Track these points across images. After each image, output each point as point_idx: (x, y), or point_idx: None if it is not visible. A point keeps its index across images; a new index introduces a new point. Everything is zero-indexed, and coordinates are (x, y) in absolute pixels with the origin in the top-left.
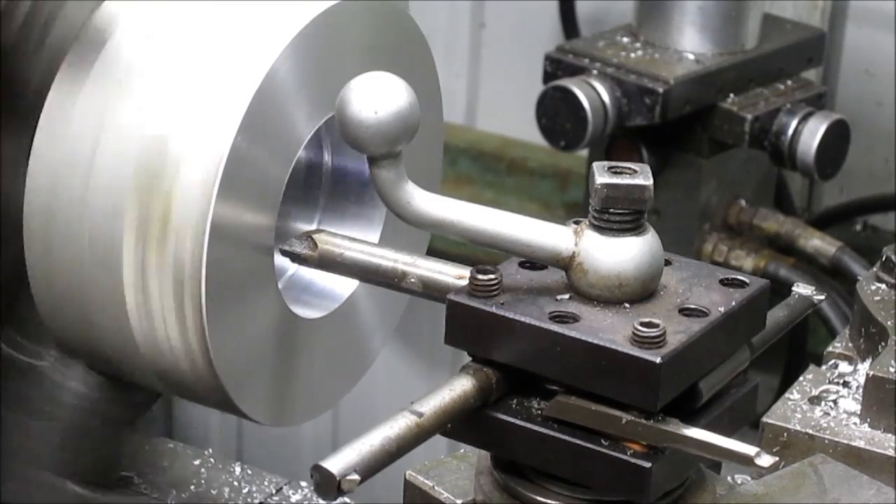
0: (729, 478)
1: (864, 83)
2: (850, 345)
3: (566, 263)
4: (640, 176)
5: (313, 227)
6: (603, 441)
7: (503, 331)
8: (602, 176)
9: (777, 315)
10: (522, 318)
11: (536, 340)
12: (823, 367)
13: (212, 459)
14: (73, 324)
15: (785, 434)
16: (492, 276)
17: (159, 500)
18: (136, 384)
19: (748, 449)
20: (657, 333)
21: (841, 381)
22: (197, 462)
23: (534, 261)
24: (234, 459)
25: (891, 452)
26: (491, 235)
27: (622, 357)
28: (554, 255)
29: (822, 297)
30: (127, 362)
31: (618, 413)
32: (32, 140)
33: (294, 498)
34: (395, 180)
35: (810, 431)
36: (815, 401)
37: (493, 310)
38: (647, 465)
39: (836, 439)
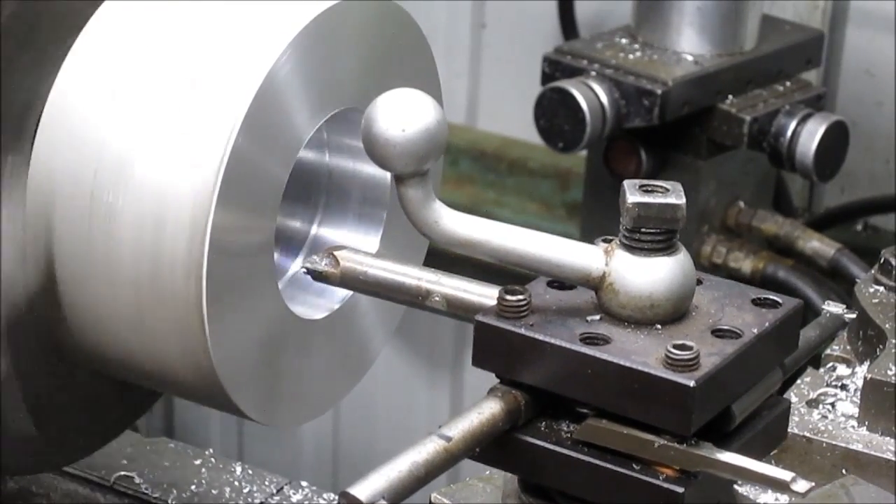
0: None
1: (865, 84)
2: (848, 347)
3: (596, 284)
4: (673, 195)
5: (314, 227)
6: (634, 465)
7: (533, 353)
8: (633, 195)
9: (808, 334)
10: (552, 340)
11: (567, 363)
12: (821, 370)
13: (212, 459)
14: (74, 324)
15: None
16: (520, 297)
17: (160, 500)
18: (136, 384)
19: (784, 474)
20: (691, 356)
21: (839, 384)
22: (198, 462)
23: (563, 281)
24: (234, 459)
25: (889, 456)
26: (520, 255)
27: (655, 380)
28: (584, 275)
29: (854, 315)
30: (128, 363)
31: (650, 437)
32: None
33: (295, 498)
34: (423, 199)
35: (808, 434)
36: (812, 404)
37: (523, 331)
38: (680, 489)
39: (833, 442)
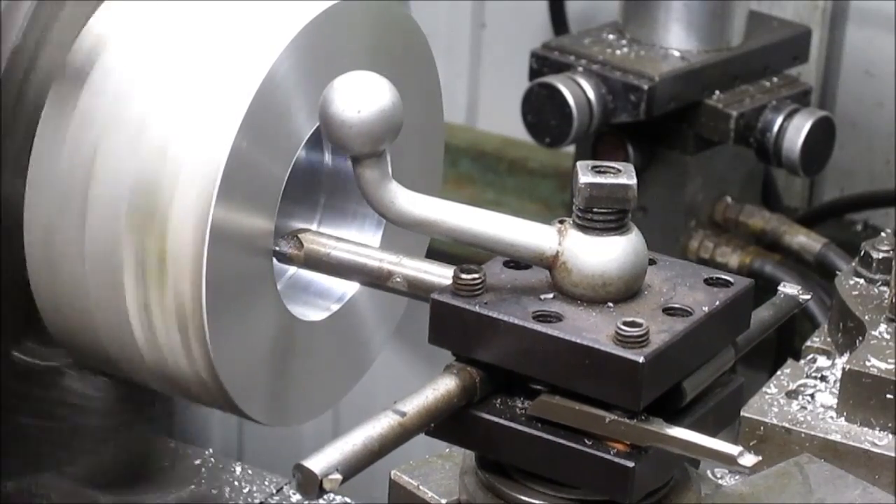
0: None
1: (865, 83)
2: (828, 339)
3: (550, 263)
4: (624, 175)
5: (314, 226)
6: (586, 440)
7: (487, 330)
8: (585, 175)
9: (762, 315)
10: (506, 318)
11: (520, 340)
12: (801, 362)
13: (212, 459)
14: (78, 329)
15: (762, 428)
16: (475, 276)
17: (160, 500)
18: (138, 385)
19: (731, 448)
20: (640, 333)
21: (818, 376)
22: (198, 461)
23: (518, 260)
24: (234, 459)
25: (867, 446)
26: (475, 235)
27: (605, 356)
28: (538, 254)
29: (808, 297)
30: (129, 364)
31: (601, 412)
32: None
33: (294, 498)
34: (380, 180)
35: (787, 425)
36: (792, 395)
37: (477, 309)
38: (630, 464)
39: (812, 433)
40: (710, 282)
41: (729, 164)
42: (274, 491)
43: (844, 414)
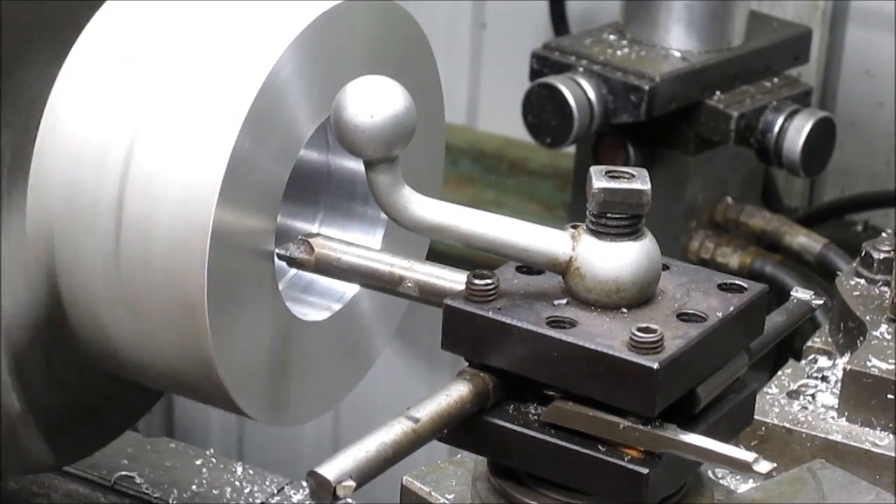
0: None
1: (865, 84)
2: (829, 339)
3: (563, 268)
4: (638, 180)
5: (315, 226)
6: (600, 447)
7: (500, 336)
8: (599, 180)
9: (775, 320)
10: (519, 324)
11: (533, 346)
12: (802, 362)
13: (213, 459)
14: (75, 324)
15: (763, 428)
16: (488, 281)
17: (161, 500)
18: (139, 384)
19: (746, 455)
20: (655, 339)
21: (819, 376)
22: (199, 462)
23: (531, 265)
24: (235, 459)
25: (868, 446)
26: (488, 240)
27: (619, 363)
28: (551, 259)
29: (821, 302)
30: (130, 363)
31: (615, 419)
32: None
33: (295, 498)
34: (392, 184)
35: (788, 425)
36: (793, 395)
37: (490, 315)
38: (645, 470)
39: (813, 433)
40: (723, 287)
41: (729, 165)
42: (275, 491)
43: (845, 414)
